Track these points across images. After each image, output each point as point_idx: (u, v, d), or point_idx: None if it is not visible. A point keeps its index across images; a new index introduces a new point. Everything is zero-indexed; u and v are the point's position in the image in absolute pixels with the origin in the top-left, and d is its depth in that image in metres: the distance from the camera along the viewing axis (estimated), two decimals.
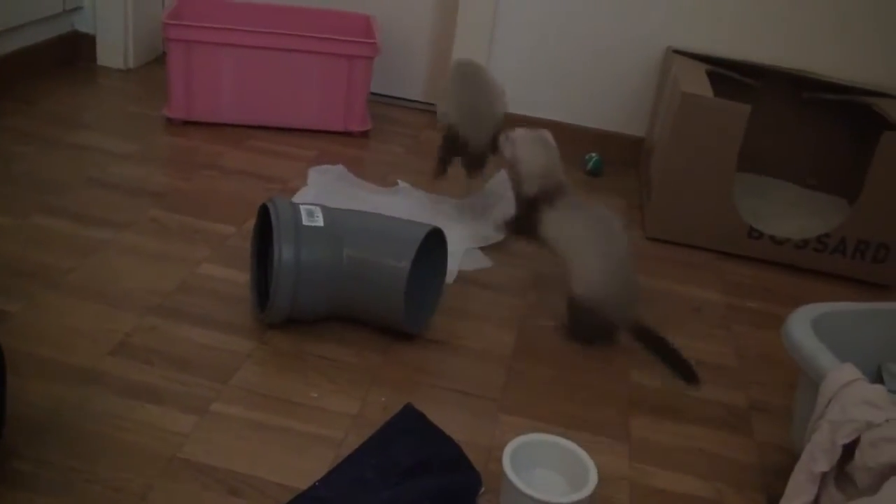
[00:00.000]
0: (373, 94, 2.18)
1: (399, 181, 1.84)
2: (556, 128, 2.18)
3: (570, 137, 2.18)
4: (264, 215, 1.35)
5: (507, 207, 1.73)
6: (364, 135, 2.13)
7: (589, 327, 1.41)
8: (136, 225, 1.57)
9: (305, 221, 1.26)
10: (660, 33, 2.10)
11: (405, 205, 1.74)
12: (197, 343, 1.28)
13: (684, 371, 1.32)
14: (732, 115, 1.73)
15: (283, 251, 1.23)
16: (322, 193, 1.71)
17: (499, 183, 1.80)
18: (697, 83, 1.81)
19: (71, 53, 2.39)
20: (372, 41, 2.02)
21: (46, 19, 2.26)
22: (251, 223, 1.58)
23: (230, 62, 2.00)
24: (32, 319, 1.28)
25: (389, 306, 1.27)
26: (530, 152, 1.50)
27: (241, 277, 1.45)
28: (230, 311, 1.36)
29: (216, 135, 2.02)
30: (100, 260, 1.45)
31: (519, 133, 1.52)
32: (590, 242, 1.39)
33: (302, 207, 1.29)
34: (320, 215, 1.28)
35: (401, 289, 1.25)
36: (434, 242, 1.35)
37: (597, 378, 1.34)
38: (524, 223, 1.49)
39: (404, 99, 2.40)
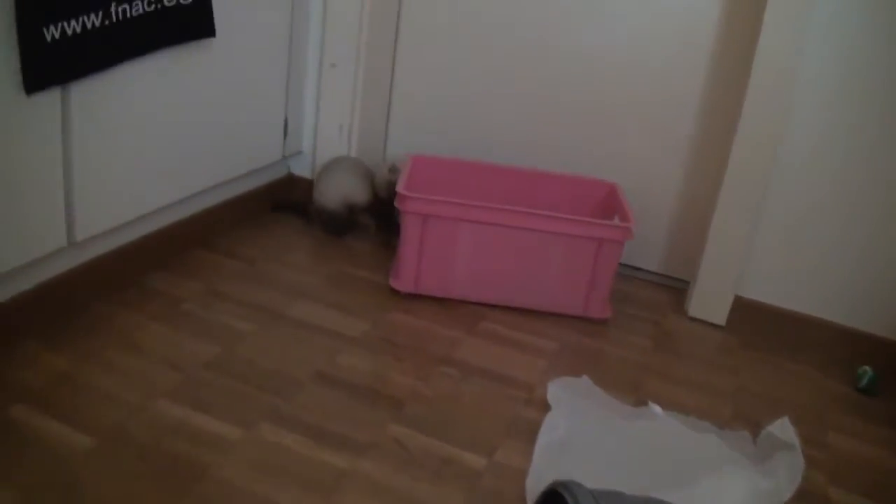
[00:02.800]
0: None
1: (650, 403, 1.57)
2: (820, 327, 1.92)
3: (835, 340, 1.89)
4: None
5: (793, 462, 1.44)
6: (603, 321, 1.89)
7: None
8: (377, 448, 1.37)
9: None
10: None
11: (662, 438, 1.48)
12: None
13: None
14: None
15: None
16: (573, 423, 1.47)
17: (781, 427, 1.51)
18: None
19: (286, 196, 2.27)
20: (627, 225, 1.79)
21: (264, 166, 2.15)
22: (501, 453, 1.38)
23: (467, 237, 1.81)
24: None
25: None
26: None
27: None
28: None
29: (447, 314, 1.82)
30: (343, 500, 1.25)
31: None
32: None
33: None
34: None
35: None
36: None
37: None
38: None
39: (640, 269, 2.15)
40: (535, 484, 1.29)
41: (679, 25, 1.97)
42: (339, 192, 2.06)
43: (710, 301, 1.96)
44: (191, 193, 1.88)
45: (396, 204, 1.81)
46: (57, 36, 1.42)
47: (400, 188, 1.81)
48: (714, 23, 1.94)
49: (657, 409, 1.55)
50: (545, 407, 1.53)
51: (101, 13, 1.49)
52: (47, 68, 1.42)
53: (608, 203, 1.99)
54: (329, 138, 2.19)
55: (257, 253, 1.99)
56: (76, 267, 1.64)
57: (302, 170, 2.28)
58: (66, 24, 1.43)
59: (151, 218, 1.80)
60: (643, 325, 1.91)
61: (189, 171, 1.85)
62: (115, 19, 1.53)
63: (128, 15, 1.55)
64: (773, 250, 1.91)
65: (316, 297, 1.83)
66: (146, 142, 1.70)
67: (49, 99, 1.45)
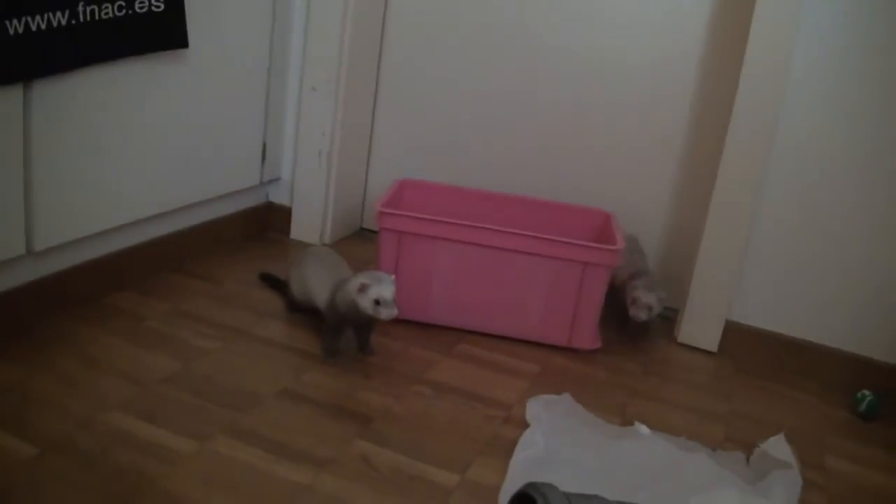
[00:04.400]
0: None
1: (637, 423, 1.49)
2: (817, 352, 1.83)
3: (833, 365, 1.80)
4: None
5: (790, 481, 1.34)
6: (592, 352, 1.79)
7: (338, 330, 1.60)
8: (339, 463, 1.27)
9: None
10: None
11: (650, 458, 1.38)
12: None
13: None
14: None
15: None
16: (553, 441, 1.37)
17: (776, 445, 1.41)
18: None
19: (263, 224, 2.21)
20: (614, 248, 1.71)
21: (241, 191, 2.08)
22: (474, 470, 1.28)
23: (444, 258, 1.74)
24: None
25: None
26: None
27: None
28: None
29: (425, 337, 1.74)
30: None
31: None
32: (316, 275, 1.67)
33: None
34: None
35: None
36: None
37: None
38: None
39: None
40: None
41: (664, 53, 1.94)
42: (301, 286, 1.71)
43: (700, 327, 1.87)
44: (161, 211, 1.81)
45: (377, 221, 1.74)
46: (20, 30, 1.38)
47: (378, 205, 1.74)
48: (700, 50, 1.90)
49: (644, 428, 1.46)
50: (524, 426, 1.44)
51: (67, 12, 1.45)
52: (8, 63, 1.37)
53: (603, 233, 1.91)
54: (308, 165, 2.14)
55: (230, 276, 1.91)
56: (35, 280, 1.56)
57: (281, 198, 2.22)
58: (29, 18, 1.39)
59: (119, 235, 1.73)
60: (631, 352, 1.82)
61: (160, 187, 1.79)
62: (82, 20, 1.48)
63: (96, 17, 1.51)
64: (765, 273, 1.84)
65: (287, 318, 1.75)
66: (114, 153, 1.64)
67: (10, 96, 1.40)
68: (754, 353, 1.86)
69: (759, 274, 1.84)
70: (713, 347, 1.87)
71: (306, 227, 2.18)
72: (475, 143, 2.14)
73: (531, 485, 1.00)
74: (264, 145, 2.09)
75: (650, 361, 1.79)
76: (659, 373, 1.75)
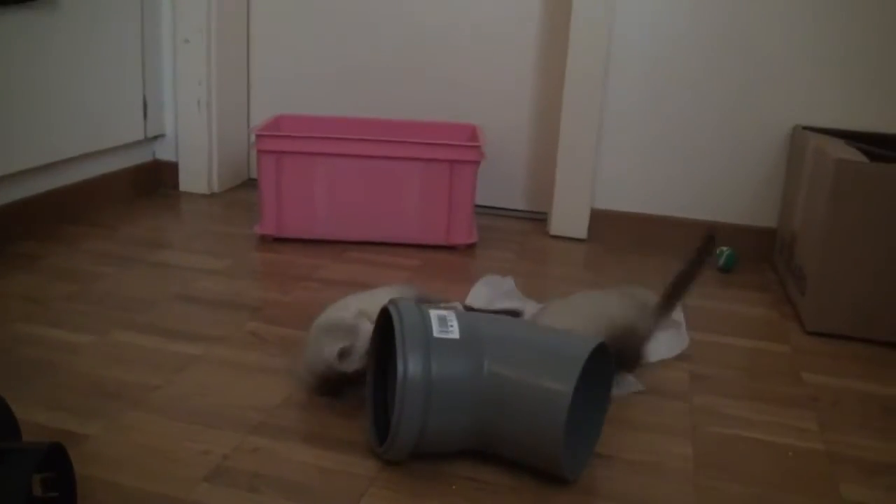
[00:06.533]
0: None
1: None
2: (674, 224, 2.01)
3: (691, 233, 1.97)
4: (385, 323, 1.13)
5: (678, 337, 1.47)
6: (470, 247, 1.93)
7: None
8: (231, 339, 1.38)
9: (437, 332, 1.03)
10: (783, 112, 1.90)
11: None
12: (310, 465, 1.04)
13: None
14: None
15: (410, 368, 0.99)
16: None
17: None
18: (846, 152, 1.59)
19: (152, 181, 2.28)
20: (476, 144, 1.85)
21: (127, 147, 2.16)
22: None
23: (323, 174, 1.85)
24: (112, 442, 1.06)
25: (542, 441, 1.00)
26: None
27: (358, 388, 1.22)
28: (348, 426, 1.13)
29: (311, 250, 1.85)
30: (191, 375, 1.25)
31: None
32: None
33: (433, 314, 1.07)
34: (455, 323, 1.05)
35: (559, 420, 0.98)
36: (596, 360, 1.10)
37: (804, 499, 1.06)
38: None
39: (504, 209, 2.22)
40: None
41: None
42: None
43: (568, 218, 2.03)
44: (46, 162, 1.88)
45: (255, 147, 1.83)
46: None
47: (255, 130, 1.84)
48: None
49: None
50: None
51: None
52: None
53: (470, 141, 2.05)
54: (190, 117, 2.22)
55: (125, 225, 1.99)
56: None
57: (168, 154, 2.30)
58: None
59: (8, 185, 1.79)
60: (507, 244, 1.97)
61: (41, 138, 1.85)
62: None
63: None
64: (621, 161, 2.00)
65: (180, 248, 1.84)
66: None
67: None
68: (620, 233, 2.02)
69: (617, 162, 2.00)
70: (583, 235, 2.03)
71: (193, 178, 2.26)
72: (350, 74, 2.24)
73: (390, 300, 1.12)
74: (144, 99, 2.17)
75: (525, 251, 1.94)
76: (534, 258, 1.89)
